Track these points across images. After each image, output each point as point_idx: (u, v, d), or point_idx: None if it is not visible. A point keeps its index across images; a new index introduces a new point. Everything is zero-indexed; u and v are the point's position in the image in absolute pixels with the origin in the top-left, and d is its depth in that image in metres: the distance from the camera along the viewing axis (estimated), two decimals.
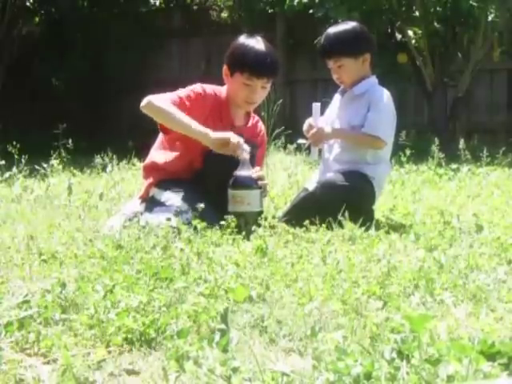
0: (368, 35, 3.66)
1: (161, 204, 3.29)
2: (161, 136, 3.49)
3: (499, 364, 1.35)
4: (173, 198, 3.28)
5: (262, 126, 3.68)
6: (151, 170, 3.47)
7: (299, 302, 1.99)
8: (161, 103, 3.30)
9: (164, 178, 3.39)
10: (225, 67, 3.47)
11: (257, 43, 3.45)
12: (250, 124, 3.59)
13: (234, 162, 3.22)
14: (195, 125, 3.25)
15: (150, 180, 3.44)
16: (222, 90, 3.50)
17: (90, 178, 5.75)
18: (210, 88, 3.46)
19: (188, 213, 3.11)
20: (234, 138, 3.23)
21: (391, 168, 4.07)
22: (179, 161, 3.40)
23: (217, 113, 3.44)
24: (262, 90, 3.45)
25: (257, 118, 3.67)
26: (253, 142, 3.46)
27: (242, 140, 3.24)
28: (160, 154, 3.47)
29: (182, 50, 10.49)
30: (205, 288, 2.06)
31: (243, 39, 3.48)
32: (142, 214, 3.29)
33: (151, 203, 3.34)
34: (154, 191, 3.38)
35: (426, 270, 2.27)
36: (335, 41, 3.53)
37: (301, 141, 3.94)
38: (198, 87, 3.43)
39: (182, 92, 3.40)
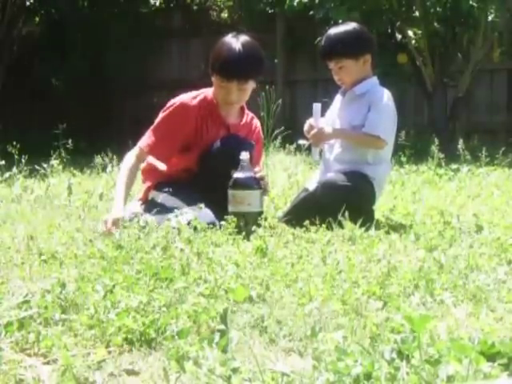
0: (368, 36, 3.65)
1: (160, 205, 3.28)
2: None
3: (499, 364, 1.35)
4: (172, 199, 3.28)
5: (257, 123, 3.63)
6: (149, 173, 3.47)
7: (299, 302, 1.99)
8: (123, 168, 3.35)
9: (162, 180, 3.39)
10: (210, 67, 3.43)
11: (234, 43, 3.31)
12: (244, 121, 3.54)
13: (231, 162, 3.19)
14: (117, 198, 3.25)
15: (149, 183, 3.43)
16: (210, 91, 3.44)
17: (90, 178, 5.75)
18: (193, 96, 3.40)
19: (188, 213, 3.10)
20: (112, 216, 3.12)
21: (391, 168, 4.07)
22: (177, 165, 3.40)
23: (207, 115, 3.40)
24: (239, 91, 3.34)
25: (251, 114, 3.60)
26: (249, 141, 3.44)
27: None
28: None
29: (182, 50, 10.49)
30: (205, 288, 2.06)
31: (225, 39, 3.36)
32: (141, 215, 3.28)
33: (151, 205, 3.33)
34: (153, 194, 3.38)
35: (426, 270, 2.27)
36: (336, 42, 3.52)
37: (301, 141, 3.94)
38: (177, 104, 3.37)
39: (160, 122, 3.38)
